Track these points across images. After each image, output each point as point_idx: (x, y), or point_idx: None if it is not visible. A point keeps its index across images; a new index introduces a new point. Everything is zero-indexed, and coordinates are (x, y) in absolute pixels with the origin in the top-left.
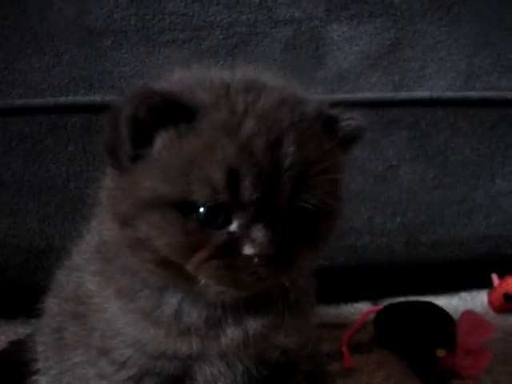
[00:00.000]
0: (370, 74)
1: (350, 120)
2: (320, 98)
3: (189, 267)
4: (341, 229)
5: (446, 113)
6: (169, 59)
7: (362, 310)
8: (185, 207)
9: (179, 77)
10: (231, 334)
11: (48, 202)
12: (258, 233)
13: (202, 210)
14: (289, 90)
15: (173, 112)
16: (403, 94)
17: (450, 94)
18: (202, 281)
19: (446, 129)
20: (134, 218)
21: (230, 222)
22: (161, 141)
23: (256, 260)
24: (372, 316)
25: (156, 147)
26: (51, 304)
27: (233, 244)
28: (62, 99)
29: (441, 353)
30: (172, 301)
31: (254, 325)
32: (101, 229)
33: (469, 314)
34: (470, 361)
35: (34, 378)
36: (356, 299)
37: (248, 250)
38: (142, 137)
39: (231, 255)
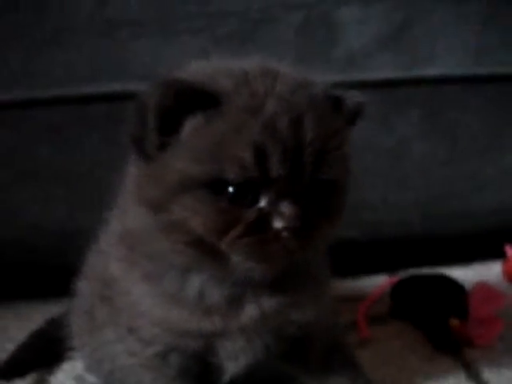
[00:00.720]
0: (380, 54)
1: (352, 98)
2: (325, 81)
3: (222, 245)
4: (356, 203)
5: (455, 90)
6: (185, 47)
7: (378, 282)
8: (216, 186)
9: (197, 67)
10: (250, 312)
11: (75, 188)
12: (286, 207)
13: (231, 188)
14: (300, 75)
15: (199, 99)
16: (414, 73)
17: (459, 71)
18: (234, 258)
19: (456, 105)
20: (166, 202)
21: (258, 199)
22: (189, 126)
23: (285, 233)
24: (388, 288)
25: (184, 133)
26: (82, 285)
27: (263, 220)
28: (85, 89)
29: (454, 322)
30: (195, 283)
31: (269, 302)
32: (124, 217)
33: (481, 284)
34: (482, 330)
35: (70, 353)
36: (372, 272)
37: (278, 223)
38: (170, 124)
39: (262, 231)
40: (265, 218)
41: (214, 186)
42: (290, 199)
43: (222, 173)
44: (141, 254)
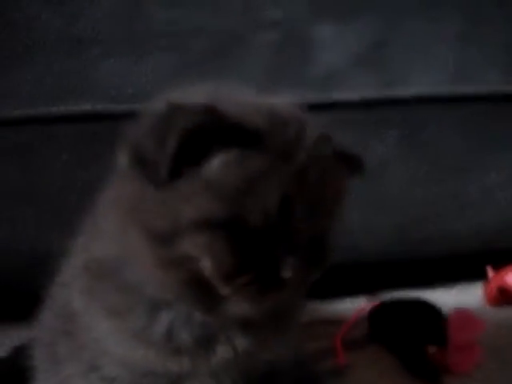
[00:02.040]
0: (357, 73)
1: (357, 157)
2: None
3: (226, 289)
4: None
5: (434, 109)
6: (156, 66)
7: (356, 305)
8: (235, 229)
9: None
10: (221, 353)
11: (45, 209)
12: (291, 258)
13: (250, 233)
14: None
15: (236, 134)
16: (390, 93)
17: (437, 90)
18: (231, 302)
19: (435, 125)
20: (176, 236)
21: (273, 249)
22: (219, 161)
23: (289, 284)
24: (366, 312)
25: (211, 167)
26: (44, 318)
27: (273, 269)
28: (54, 109)
29: (432, 349)
30: (164, 320)
31: (243, 343)
32: (92, 245)
33: (460, 310)
34: (461, 357)
35: None
36: (352, 294)
37: (286, 273)
38: (194, 154)
39: (270, 279)
40: (275, 267)
41: (233, 228)
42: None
43: (244, 216)
44: (107, 286)
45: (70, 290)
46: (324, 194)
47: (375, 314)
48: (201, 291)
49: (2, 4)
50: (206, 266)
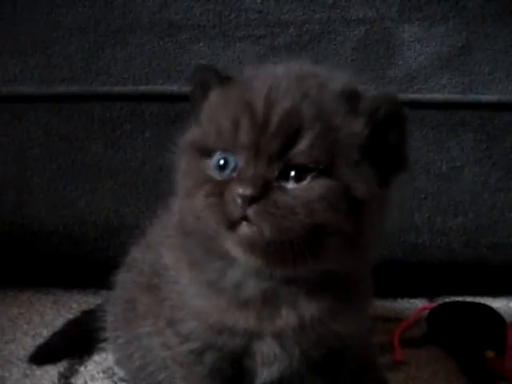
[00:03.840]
0: (439, 75)
1: (379, 98)
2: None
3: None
4: (401, 225)
5: None
6: (243, 53)
7: (417, 306)
8: (203, 152)
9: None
10: (286, 316)
11: (123, 183)
12: (248, 175)
13: (211, 153)
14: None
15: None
16: (472, 97)
17: None
18: (224, 241)
19: None
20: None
21: (229, 166)
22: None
23: (240, 200)
24: (426, 312)
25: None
26: (124, 277)
27: (228, 184)
28: (142, 88)
29: (490, 354)
30: (235, 273)
31: (310, 309)
32: (175, 208)
33: None
34: None
35: (102, 345)
36: (413, 295)
37: (235, 187)
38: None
39: (224, 193)
40: (231, 185)
41: (201, 151)
42: (256, 172)
43: (207, 139)
44: (191, 243)
45: (160, 248)
46: (273, 117)
47: (435, 314)
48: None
49: None
50: (178, 180)
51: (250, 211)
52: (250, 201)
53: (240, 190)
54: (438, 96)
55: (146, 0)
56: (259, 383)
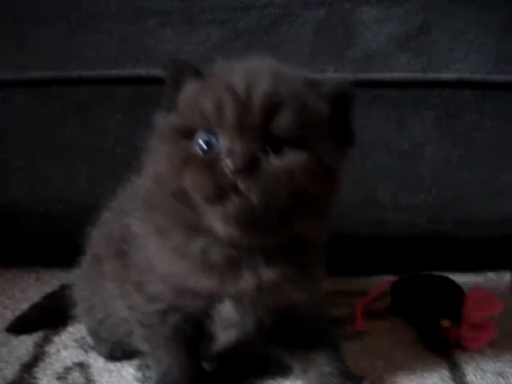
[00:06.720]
0: (398, 55)
1: (336, 83)
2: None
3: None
4: (365, 201)
5: (473, 95)
6: (207, 37)
7: (382, 281)
8: (187, 135)
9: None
10: (248, 279)
11: (97, 164)
12: (237, 151)
13: (196, 135)
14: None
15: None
16: (431, 75)
17: (477, 76)
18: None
19: (473, 110)
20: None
21: (215, 145)
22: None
23: (232, 174)
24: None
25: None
26: (94, 234)
27: (217, 162)
28: (112, 72)
29: (445, 323)
30: (200, 240)
31: (267, 273)
32: (143, 181)
33: (478, 289)
34: (474, 334)
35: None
36: (379, 272)
37: (227, 163)
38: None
39: (211, 170)
40: (219, 160)
41: (183, 134)
42: (243, 146)
43: (188, 122)
44: (158, 213)
45: (129, 217)
46: (254, 96)
47: (397, 287)
48: (183, 202)
49: None
50: (160, 165)
51: (241, 183)
52: (241, 173)
53: (231, 165)
54: (398, 75)
55: None
56: (217, 347)
